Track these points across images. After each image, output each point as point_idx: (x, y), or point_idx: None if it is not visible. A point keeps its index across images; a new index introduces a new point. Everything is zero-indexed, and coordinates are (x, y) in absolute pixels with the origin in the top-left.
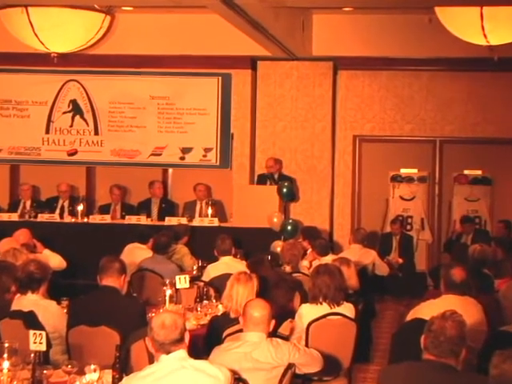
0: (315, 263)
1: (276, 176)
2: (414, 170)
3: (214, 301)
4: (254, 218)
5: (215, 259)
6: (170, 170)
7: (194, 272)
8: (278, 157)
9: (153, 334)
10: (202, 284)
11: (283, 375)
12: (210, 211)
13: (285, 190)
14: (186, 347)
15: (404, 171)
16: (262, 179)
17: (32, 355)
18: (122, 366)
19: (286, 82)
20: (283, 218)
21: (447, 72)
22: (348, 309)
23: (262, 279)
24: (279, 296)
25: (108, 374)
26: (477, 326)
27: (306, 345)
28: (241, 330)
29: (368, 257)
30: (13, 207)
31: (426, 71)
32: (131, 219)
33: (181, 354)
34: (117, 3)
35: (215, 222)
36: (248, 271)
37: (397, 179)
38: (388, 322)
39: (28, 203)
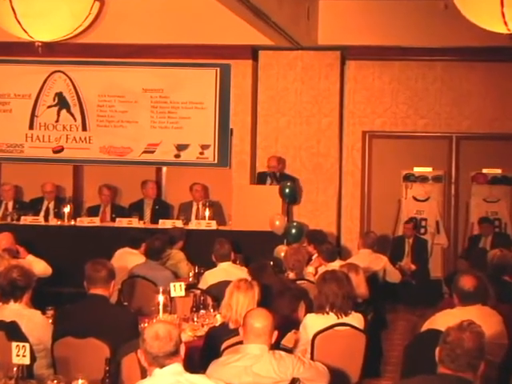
0: (321, 270)
1: (277, 175)
2: (429, 169)
3: (212, 310)
4: (254, 220)
5: (213, 265)
6: (164, 169)
7: (190, 279)
8: (281, 154)
9: (145, 346)
10: (198, 292)
11: None
12: (207, 213)
13: (287, 190)
14: (181, 360)
15: (417, 170)
16: (262, 177)
17: (15, 369)
18: (112, 380)
19: (289, 74)
20: (286, 221)
21: (464, 62)
22: (357, 319)
23: (264, 287)
24: (283, 305)
25: None
26: (496, 339)
27: (312, 358)
28: (241, 342)
29: (378, 263)
30: None
31: (441, 61)
32: (122, 222)
33: (176, 367)
34: None
35: (213, 225)
36: (249, 278)
37: (410, 179)
38: (400, 333)
39: (10, 204)
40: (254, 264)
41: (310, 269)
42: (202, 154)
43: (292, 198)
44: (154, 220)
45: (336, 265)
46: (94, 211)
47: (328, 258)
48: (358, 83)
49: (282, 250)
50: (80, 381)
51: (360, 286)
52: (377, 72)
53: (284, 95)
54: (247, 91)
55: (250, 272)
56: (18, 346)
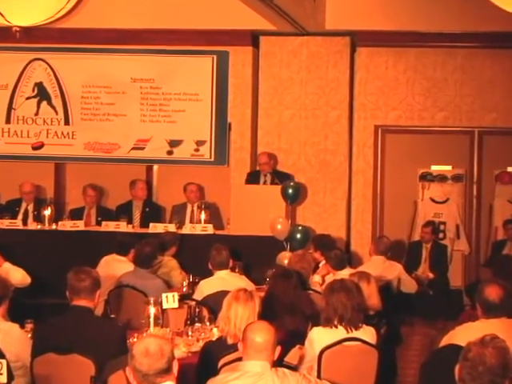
0: (329, 278)
1: (270, 174)
2: (448, 167)
3: (208, 323)
4: (255, 224)
5: (209, 274)
6: (155, 167)
7: (184, 289)
8: (285, 151)
9: (134, 362)
10: (193, 303)
11: None
12: (203, 216)
13: (290, 190)
14: (174, 379)
15: (435, 168)
16: (255, 177)
17: None
18: None
19: (293, 62)
20: (289, 225)
21: (487, 49)
22: (368, 333)
23: (274, 297)
24: (289, 322)
25: None
26: None
27: (318, 376)
28: (240, 359)
29: (392, 271)
30: None
31: (462, 48)
32: (109, 226)
33: None
34: None
35: (209, 230)
36: (252, 287)
37: (427, 178)
38: (416, 349)
39: None
40: (279, 269)
41: (316, 278)
42: (197, 150)
43: (296, 198)
44: (144, 224)
45: (345, 273)
46: (77, 214)
47: (337, 266)
48: (369, 72)
49: (285, 257)
50: None
51: (372, 297)
52: (391, 60)
53: (288, 86)
54: (247, 81)
55: (270, 278)
56: None
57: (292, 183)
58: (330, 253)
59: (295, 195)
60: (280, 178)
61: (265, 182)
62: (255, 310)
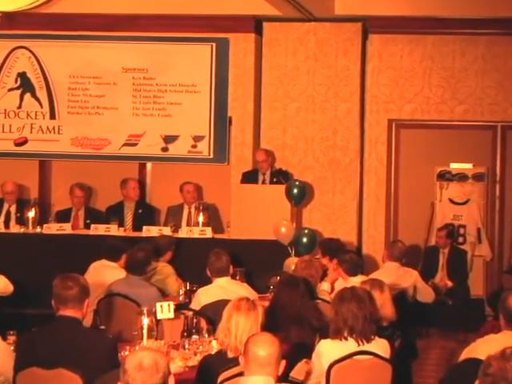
0: (338, 286)
1: (268, 172)
2: (468, 165)
3: (207, 335)
4: (258, 227)
5: (208, 281)
6: (149, 165)
7: (181, 298)
8: (290, 147)
9: (127, 378)
10: (190, 313)
11: None
12: (200, 219)
13: (295, 190)
14: None
15: (455, 166)
16: (252, 177)
17: None
18: None
19: (300, 50)
20: (294, 228)
21: (511, 37)
22: (381, 346)
23: (280, 307)
24: (295, 334)
25: None
26: None
27: None
28: (241, 374)
29: (407, 278)
30: None
31: (483, 35)
32: (98, 229)
33: None
34: None
35: (208, 233)
36: (255, 295)
37: (445, 177)
38: (433, 363)
39: None
40: (285, 276)
41: (324, 285)
42: (194, 147)
43: (301, 199)
44: (137, 227)
45: (357, 281)
46: (64, 216)
47: (351, 272)
48: (382, 61)
49: (293, 264)
50: None
51: (385, 307)
52: (406, 48)
53: (293, 76)
54: (249, 71)
55: (275, 286)
56: None
57: (297, 182)
58: (345, 255)
59: (301, 195)
60: (280, 177)
61: (263, 182)
62: (258, 321)
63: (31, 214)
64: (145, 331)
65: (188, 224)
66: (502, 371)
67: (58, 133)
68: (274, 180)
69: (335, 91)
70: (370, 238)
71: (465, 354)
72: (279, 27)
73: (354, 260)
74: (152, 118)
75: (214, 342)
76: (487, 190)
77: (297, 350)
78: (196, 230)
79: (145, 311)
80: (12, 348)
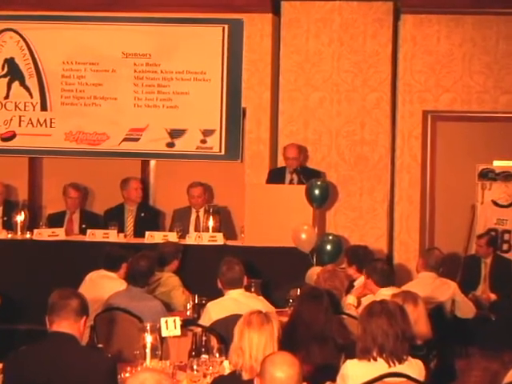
0: (366, 300)
1: (299, 170)
2: None
3: (218, 355)
4: (275, 233)
5: (219, 294)
6: (153, 163)
7: (188, 312)
8: (312, 143)
9: None
10: (199, 330)
11: None
12: (211, 223)
13: (317, 191)
14: None
15: (498, 164)
16: (278, 175)
17: None
18: None
19: (323, 33)
20: (316, 234)
21: None
22: (415, 367)
23: (302, 323)
24: (318, 353)
25: None
26: None
27: None
28: None
29: (445, 291)
30: None
31: None
32: (95, 235)
33: None
34: None
35: (219, 240)
36: (271, 308)
37: (488, 176)
38: None
39: None
40: (307, 288)
41: (350, 299)
42: (203, 142)
43: (324, 201)
44: (139, 232)
45: (387, 293)
46: (56, 220)
47: (382, 283)
48: (417, 45)
49: (316, 274)
50: None
51: (419, 323)
52: (443, 30)
53: (316, 62)
54: (266, 57)
55: (295, 299)
56: None
57: (319, 182)
58: (375, 264)
59: (323, 197)
60: (309, 176)
61: (291, 182)
62: (274, 335)
63: (20, 217)
64: (148, 350)
65: (196, 229)
66: None
67: (50, 126)
68: (303, 181)
69: (363, 79)
70: (402, 246)
71: (510, 377)
72: (299, 6)
73: (385, 270)
74: (156, 110)
75: (225, 363)
76: None
77: (319, 372)
78: (205, 235)
79: (148, 327)
80: None
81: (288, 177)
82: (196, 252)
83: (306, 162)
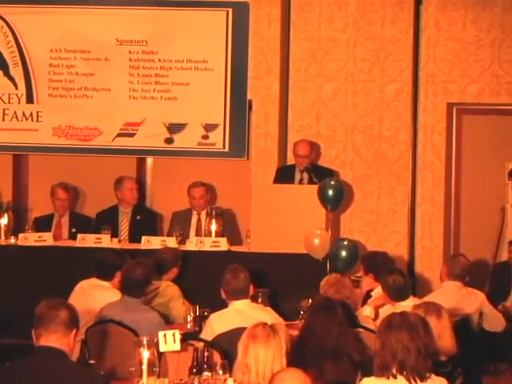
0: (385, 311)
1: (308, 170)
2: None
3: (221, 372)
4: (284, 237)
5: (222, 305)
6: (150, 161)
7: (189, 325)
8: (326, 139)
9: None
10: (200, 345)
11: None
12: (213, 227)
13: (331, 191)
14: None
15: None
16: (286, 174)
17: None
18: None
19: (337, 17)
20: (329, 239)
21: None
22: None
23: (314, 336)
24: (332, 371)
25: None
26: None
27: None
28: None
29: (472, 302)
30: None
31: None
32: (86, 240)
33: None
34: None
35: (222, 245)
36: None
37: None
38: None
39: None
40: (319, 299)
41: (367, 310)
42: (205, 137)
43: (338, 203)
44: (134, 237)
45: (408, 305)
46: (44, 224)
47: (396, 297)
48: (440, 31)
49: None
50: None
51: (444, 337)
52: (469, 14)
53: (329, 50)
54: (274, 44)
55: (306, 311)
56: None
57: (333, 182)
58: (387, 278)
59: (337, 198)
60: (320, 175)
61: (301, 181)
62: (282, 349)
63: (3, 221)
64: (144, 367)
65: (198, 234)
66: None
67: (37, 120)
68: (314, 180)
69: (381, 68)
70: (424, 252)
71: None
72: None
73: (400, 282)
74: (153, 102)
75: (229, 381)
76: None
77: None
78: (208, 241)
79: (144, 342)
80: None
81: (298, 176)
82: (197, 259)
83: (317, 159)
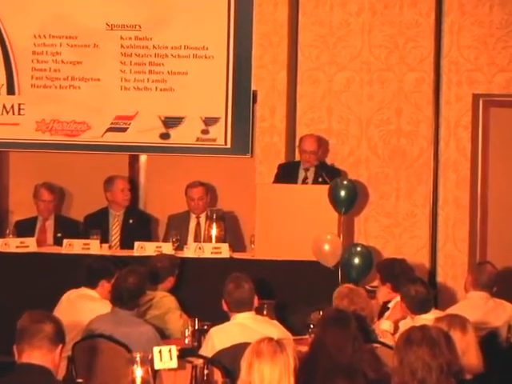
0: (404, 325)
1: (312, 169)
2: None
3: None
4: (292, 243)
5: (224, 318)
6: (143, 158)
7: (187, 340)
8: (339, 133)
9: None
10: (200, 362)
11: None
12: (214, 232)
13: (343, 192)
14: None
15: None
16: (289, 172)
17: None
18: None
19: (351, 0)
20: (342, 245)
21: None
22: None
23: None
24: None
25: None
26: None
27: None
28: None
29: (500, 314)
30: None
31: None
32: (73, 246)
33: None
34: None
35: (224, 252)
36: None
37: None
38: None
39: None
40: (331, 311)
41: (385, 324)
42: (205, 132)
43: (352, 205)
44: (126, 243)
45: (429, 318)
46: (26, 228)
47: (417, 309)
48: (465, 15)
49: None
50: None
51: (469, 353)
52: None
53: (342, 35)
54: (281, 29)
55: (316, 325)
56: None
57: (345, 182)
58: (409, 288)
59: (351, 200)
60: (329, 175)
61: (305, 181)
62: (289, 366)
63: None
64: None
65: (196, 239)
66: None
67: (19, 113)
68: (320, 180)
69: (400, 56)
70: (447, 259)
71: None
72: None
73: (421, 294)
74: (147, 94)
75: None
76: None
77: None
78: (207, 247)
79: (138, 358)
80: None
81: (302, 174)
82: (196, 267)
83: (324, 157)
